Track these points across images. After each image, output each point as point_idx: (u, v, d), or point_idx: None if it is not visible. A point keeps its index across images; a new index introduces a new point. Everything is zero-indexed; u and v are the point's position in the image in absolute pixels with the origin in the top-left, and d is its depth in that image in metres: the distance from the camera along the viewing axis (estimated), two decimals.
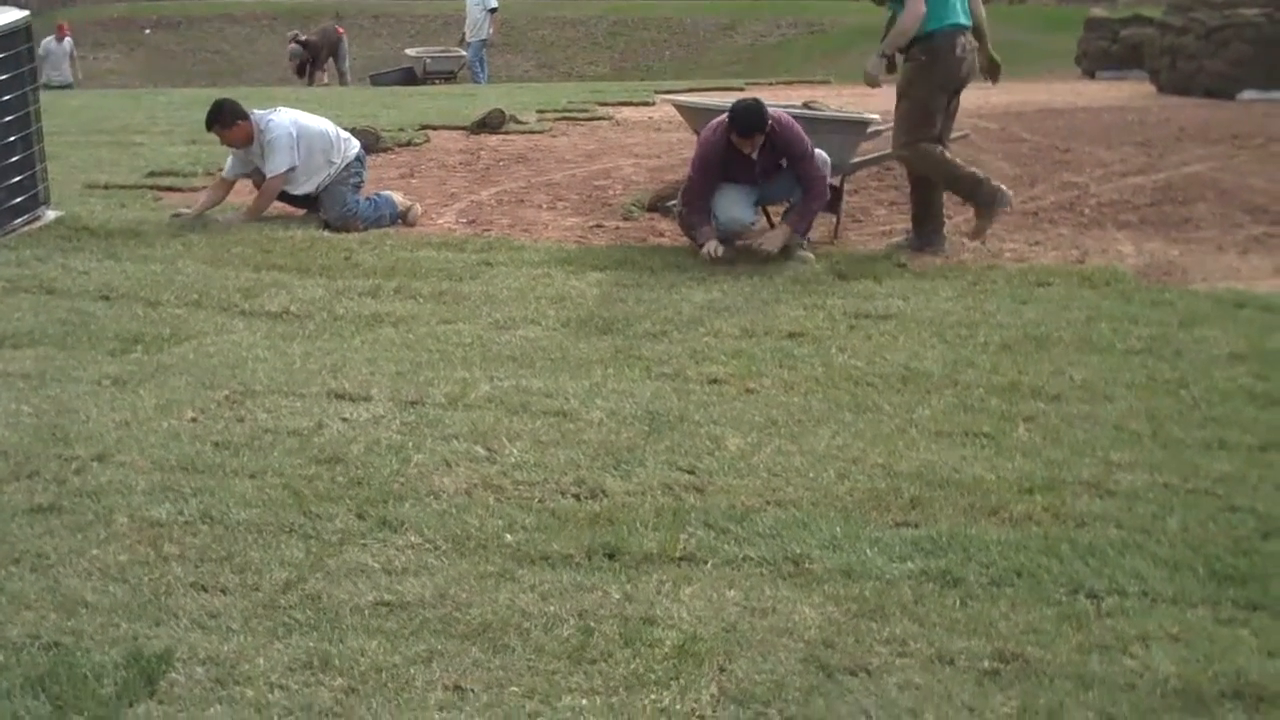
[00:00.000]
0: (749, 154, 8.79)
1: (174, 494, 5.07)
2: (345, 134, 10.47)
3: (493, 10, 26.68)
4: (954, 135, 9.75)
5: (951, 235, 9.53)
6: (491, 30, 27.03)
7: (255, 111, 10.19)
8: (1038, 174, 11.85)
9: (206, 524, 4.83)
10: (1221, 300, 7.96)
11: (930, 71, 9.06)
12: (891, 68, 9.26)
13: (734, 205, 9.02)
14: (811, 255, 9.01)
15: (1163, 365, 6.71)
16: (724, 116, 8.84)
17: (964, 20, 9.16)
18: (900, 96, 9.20)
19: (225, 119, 10.11)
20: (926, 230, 9.46)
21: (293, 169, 10.04)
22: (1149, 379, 6.50)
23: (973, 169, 9.29)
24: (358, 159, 10.32)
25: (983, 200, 9.14)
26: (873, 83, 9.30)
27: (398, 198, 10.40)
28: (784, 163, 8.88)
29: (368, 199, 10.25)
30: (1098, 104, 17.24)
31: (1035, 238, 9.67)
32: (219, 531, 4.77)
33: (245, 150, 10.17)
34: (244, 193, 10.48)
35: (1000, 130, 14.38)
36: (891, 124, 9.46)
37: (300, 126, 10.14)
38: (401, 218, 10.22)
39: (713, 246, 8.79)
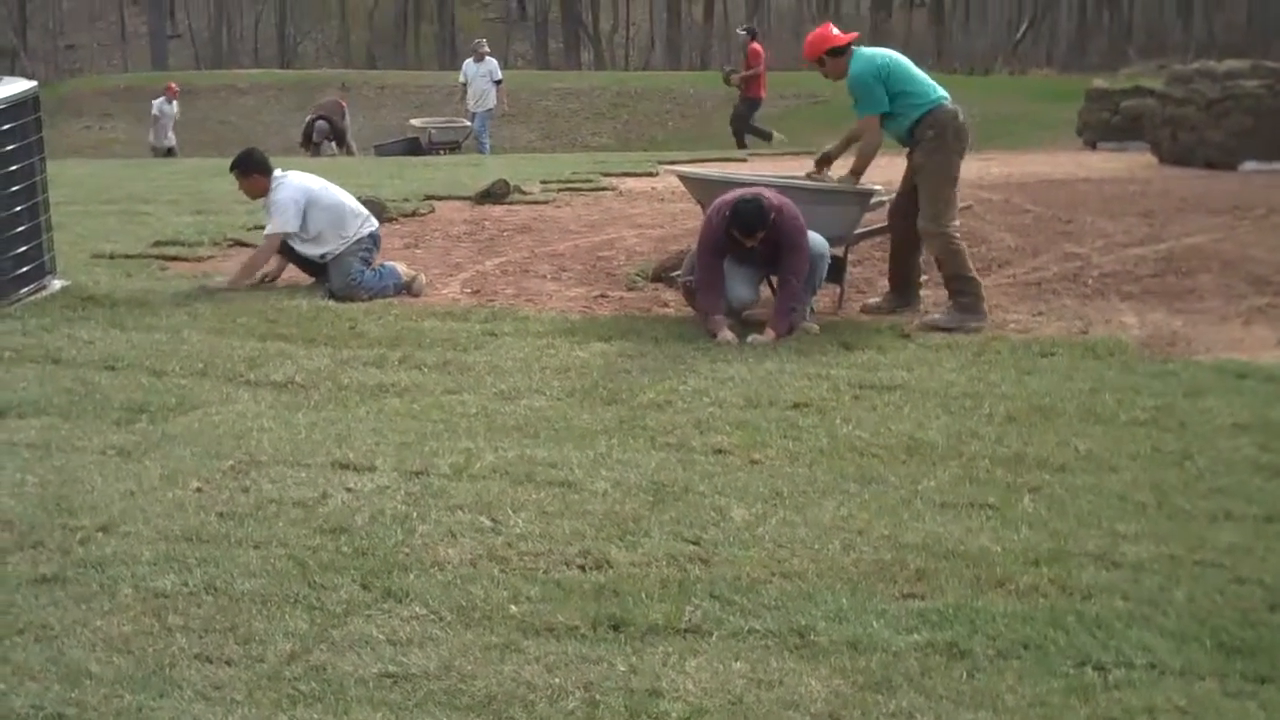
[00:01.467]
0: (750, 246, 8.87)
1: (178, 564, 5.06)
2: (362, 211, 10.55)
3: (498, 82, 26.89)
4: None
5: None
6: (502, 101, 27.20)
7: (276, 171, 10.28)
8: (1040, 245, 11.88)
9: (211, 595, 4.82)
10: (1225, 371, 7.96)
11: (943, 142, 9.30)
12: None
13: (737, 283, 9.04)
14: (815, 326, 9.03)
15: (1167, 436, 6.71)
16: (729, 198, 8.89)
17: (946, 94, 9.44)
18: (919, 173, 9.35)
19: (245, 167, 10.39)
20: (905, 293, 9.70)
21: (289, 234, 10.13)
22: (1154, 450, 6.50)
23: (976, 275, 9.41)
24: (371, 237, 10.38)
25: (965, 308, 9.25)
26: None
27: (402, 268, 10.44)
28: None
29: (373, 270, 10.28)
30: (1099, 175, 17.31)
31: (1038, 308, 9.69)
32: (223, 602, 4.76)
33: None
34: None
35: (1003, 201, 14.43)
36: (892, 195, 9.57)
37: (311, 195, 10.23)
38: (406, 288, 10.25)
39: (727, 336, 8.73)
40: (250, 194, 10.62)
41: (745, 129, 25.17)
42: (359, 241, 10.29)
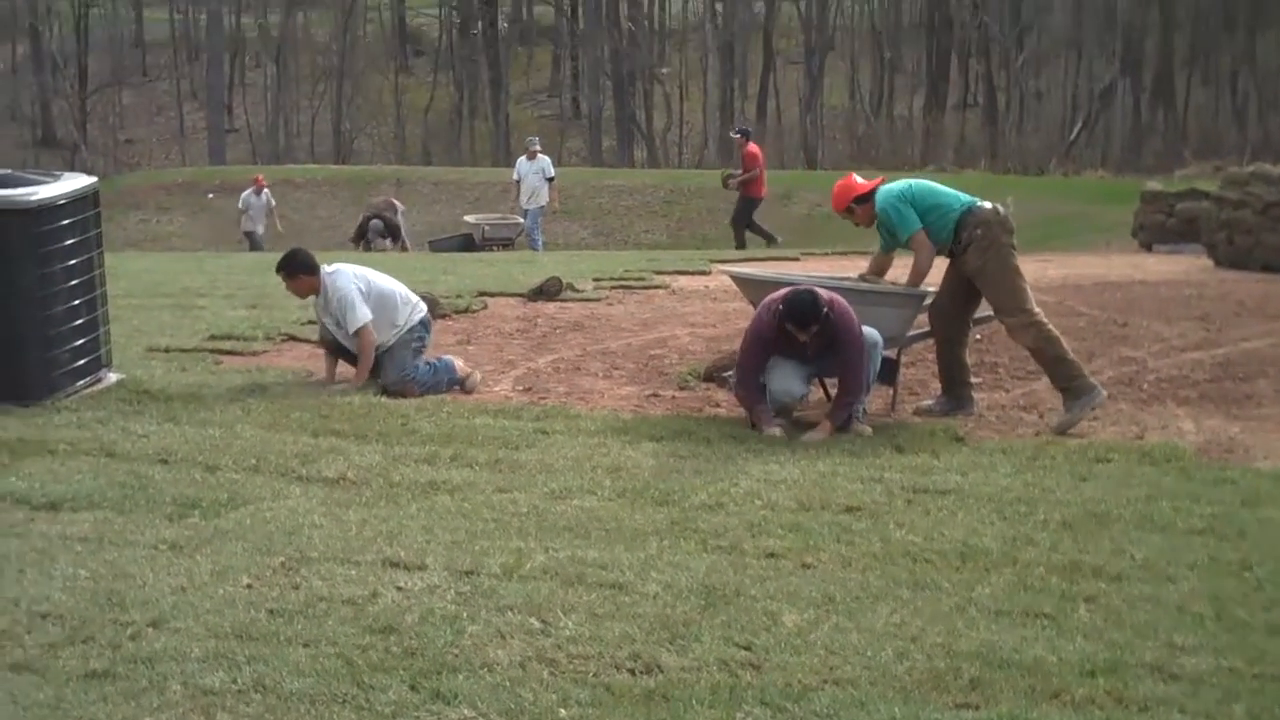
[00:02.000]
0: (802, 341, 8.86)
1: (228, 662, 5.05)
2: (413, 297, 10.58)
3: (551, 179, 27.08)
4: (983, 316, 9.85)
5: (1016, 413, 9.59)
6: (552, 197, 27.39)
7: (324, 266, 10.32)
8: (1095, 348, 11.82)
9: (259, 693, 4.80)
10: None
11: (994, 237, 9.34)
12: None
13: (786, 377, 9.04)
14: (868, 428, 9.00)
15: (1225, 545, 6.63)
16: (780, 294, 8.91)
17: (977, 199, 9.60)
18: (980, 275, 9.39)
19: (291, 268, 10.40)
20: (957, 394, 9.67)
21: (373, 319, 10.14)
22: (1211, 559, 6.42)
23: (1074, 356, 9.42)
24: (422, 323, 10.41)
25: (1078, 391, 9.21)
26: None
27: (458, 363, 10.46)
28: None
29: (427, 363, 10.32)
30: (1155, 278, 17.23)
31: (1094, 413, 9.62)
32: (271, 701, 4.75)
33: (318, 305, 10.35)
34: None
35: (1057, 304, 14.37)
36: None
37: (369, 283, 10.26)
38: (460, 384, 10.27)
39: (773, 430, 8.77)
40: (299, 294, 10.67)
41: (745, 229, 25.38)
42: (410, 330, 10.32)
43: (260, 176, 31.54)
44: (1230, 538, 6.76)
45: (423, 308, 10.56)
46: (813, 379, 9.46)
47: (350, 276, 10.28)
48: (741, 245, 25.02)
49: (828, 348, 8.94)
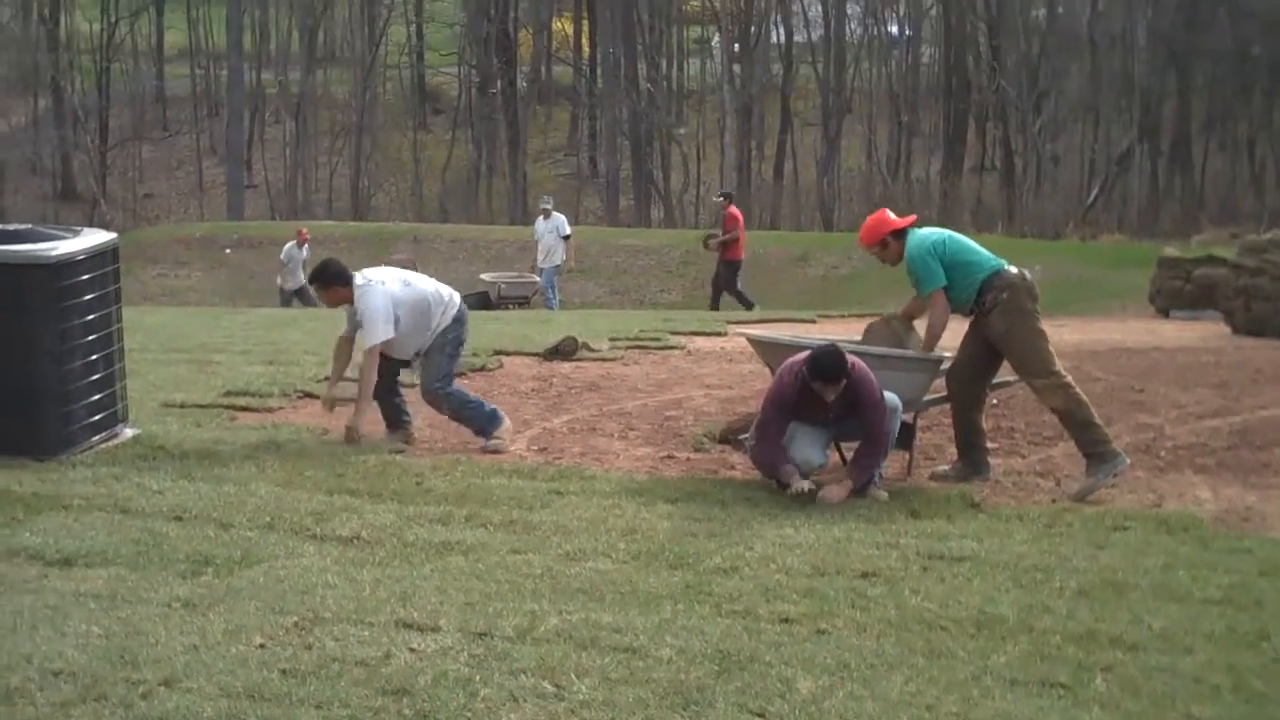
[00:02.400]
0: (825, 400, 8.82)
1: None
2: (445, 292, 10.58)
3: (566, 237, 27.14)
4: (1000, 381, 9.84)
5: (1033, 479, 9.57)
6: (567, 256, 27.44)
7: (357, 277, 10.33)
8: (1112, 414, 11.76)
9: None
10: None
11: (1019, 301, 9.35)
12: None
13: (806, 445, 9.02)
14: (884, 493, 8.98)
15: (1243, 616, 6.60)
16: (800, 358, 8.90)
17: (1005, 262, 9.58)
18: (1005, 338, 9.38)
19: (324, 279, 10.48)
20: (973, 459, 9.63)
21: (388, 340, 10.15)
22: (1229, 630, 6.39)
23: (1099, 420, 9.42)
24: (457, 320, 10.45)
25: (1104, 457, 9.22)
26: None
27: (506, 423, 10.50)
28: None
29: (475, 399, 10.47)
30: (1172, 344, 17.21)
31: (1113, 480, 9.58)
32: None
33: (350, 314, 10.40)
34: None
35: (1074, 369, 14.27)
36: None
37: (396, 298, 10.23)
38: (484, 435, 10.31)
39: (801, 485, 8.73)
40: (330, 304, 10.80)
41: (724, 291, 26.02)
42: (444, 333, 10.36)
43: (304, 230, 31.39)
44: (1248, 608, 6.72)
45: (456, 301, 10.57)
46: (830, 444, 9.44)
47: (380, 295, 10.20)
48: (716, 307, 25.68)
49: (848, 411, 8.92)
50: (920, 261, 9.47)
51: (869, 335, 10.00)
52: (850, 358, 8.85)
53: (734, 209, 26.55)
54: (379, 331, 10.12)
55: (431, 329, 10.34)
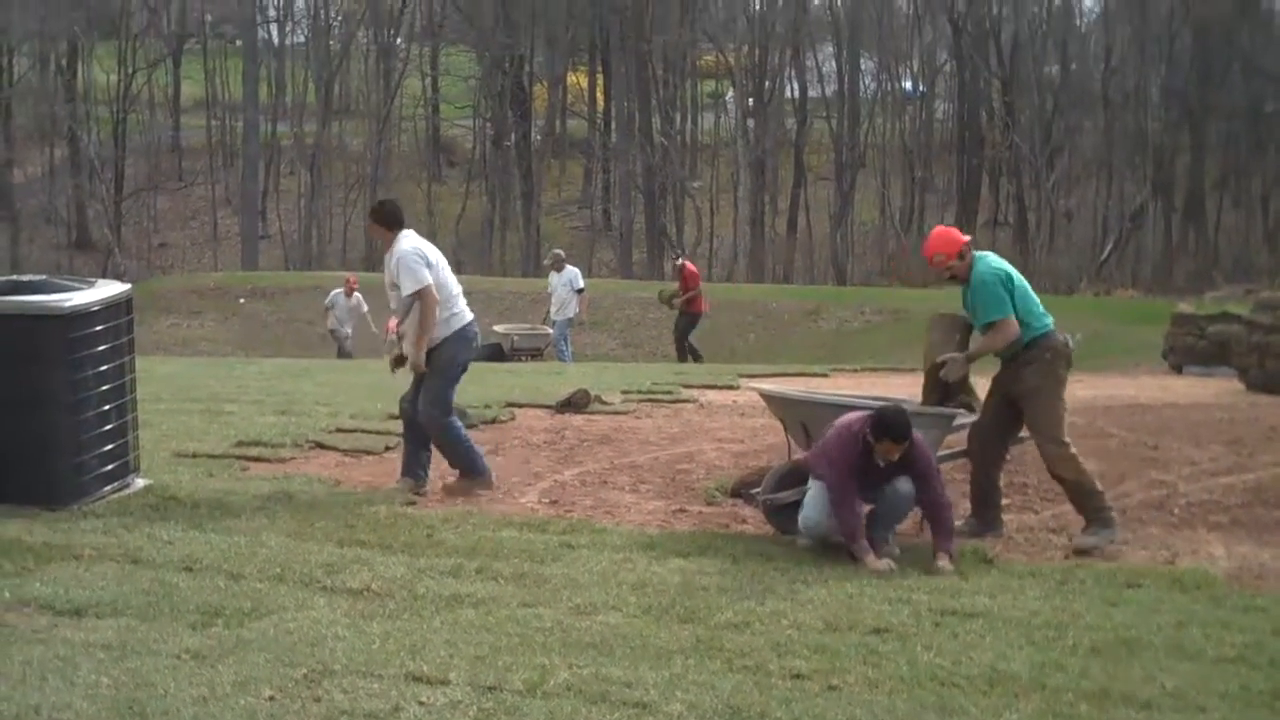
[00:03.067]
0: (883, 461, 8.68)
1: None
2: (464, 302, 10.72)
3: (580, 290, 27.06)
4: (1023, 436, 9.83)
5: (1045, 535, 9.57)
6: (580, 309, 27.42)
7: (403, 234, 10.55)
8: (1126, 471, 11.75)
9: None
10: None
11: (1055, 368, 9.42)
12: None
13: (820, 509, 8.86)
14: (896, 549, 8.93)
15: (1257, 675, 6.56)
16: (854, 418, 8.80)
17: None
18: (1034, 394, 9.38)
19: (378, 213, 10.84)
20: (987, 516, 9.64)
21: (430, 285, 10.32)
22: (1243, 689, 6.35)
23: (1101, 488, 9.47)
24: (464, 338, 10.59)
25: (1102, 521, 9.29)
26: (952, 378, 9.57)
27: (490, 481, 10.62)
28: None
29: (472, 445, 10.62)
30: (1186, 400, 17.16)
31: (1124, 536, 9.54)
32: None
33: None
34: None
35: (1087, 425, 14.31)
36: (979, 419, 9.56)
37: (427, 258, 10.45)
38: (465, 474, 10.50)
39: (878, 565, 8.48)
40: (374, 236, 11.05)
41: (679, 340, 27.33)
42: (447, 345, 10.45)
43: (353, 278, 31.12)
44: (1262, 667, 6.68)
45: (469, 317, 10.68)
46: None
47: (410, 242, 10.51)
48: (683, 358, 26.88)
49: (898, 470, 8.77)
50: (992, 287, 9.39)
51: (934, 325, 10.00)
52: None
53: (691, 266, 27.99)
54: (422, 274, 10.32)
55: (450, 312, 10.48)
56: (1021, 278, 9.61)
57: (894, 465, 8.73)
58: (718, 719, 5.74)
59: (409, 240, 10.51)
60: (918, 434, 8.75)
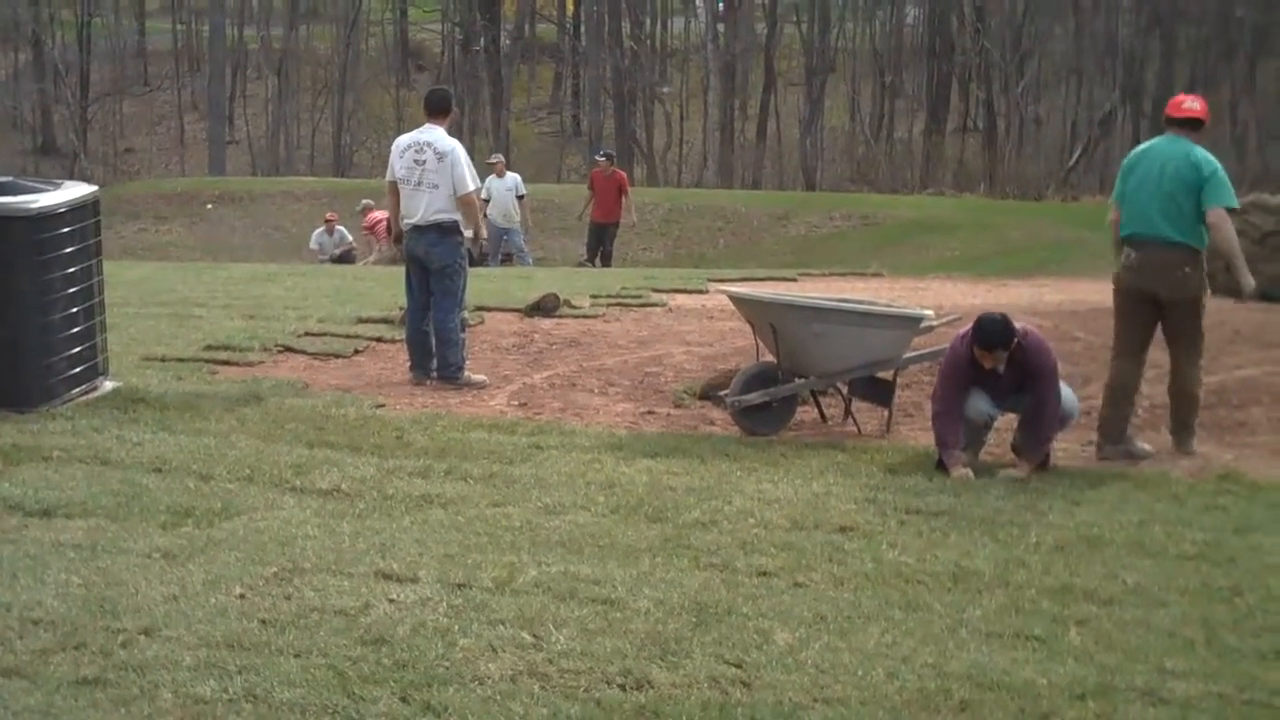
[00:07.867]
0: (990, 368, 8.55)
1: (219, 671, 5.06)
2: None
3: (521, 197, 26.00)
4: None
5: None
6: (525, 215, 26.31)
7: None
8: (1091, 373, 11.82)
9: (250, 703, 4.82)
10: (1276, 506, 7.88)
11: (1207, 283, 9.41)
12: None
13: (977, 397, 8.72)
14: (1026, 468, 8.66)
15: (1216, 571, 6.65)
16: (964, 331, 8.68)
17: None
18: (1194, 313, 9.53)
19: (434, 99, 11.67)
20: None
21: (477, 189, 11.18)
22: (1203, 585, 6.44)
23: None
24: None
25: (1193, 428, 9.35)
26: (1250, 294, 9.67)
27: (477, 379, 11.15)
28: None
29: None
30: None
31: (1088, 438, 9.61)
32: (262, 710, 4.76)
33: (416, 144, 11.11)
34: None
35: (1054, 328, 14.39)
36: (943, 319, 9.56)
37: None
38: (448, 374, 11.05)
39: (962, 473, 8.38)
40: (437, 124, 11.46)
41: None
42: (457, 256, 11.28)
43: (332, 215, 29.81)
44: (1221, 564, 6.78)
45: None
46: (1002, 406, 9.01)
47: (465, 154, 11.19)
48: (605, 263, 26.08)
49: (1019, 388, 8.66)
50: (1221, 175, 9.20)
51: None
52: (1024, 327, 8.66)
53: (597, 169, 27.29)
54: (472, 181, 11.15)
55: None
56: None
57: (1019, 373, 8.59)
58: (685, 614, 5.80)
59: (454, 142, 11.17)
60: (1032, 340, 8.61)
